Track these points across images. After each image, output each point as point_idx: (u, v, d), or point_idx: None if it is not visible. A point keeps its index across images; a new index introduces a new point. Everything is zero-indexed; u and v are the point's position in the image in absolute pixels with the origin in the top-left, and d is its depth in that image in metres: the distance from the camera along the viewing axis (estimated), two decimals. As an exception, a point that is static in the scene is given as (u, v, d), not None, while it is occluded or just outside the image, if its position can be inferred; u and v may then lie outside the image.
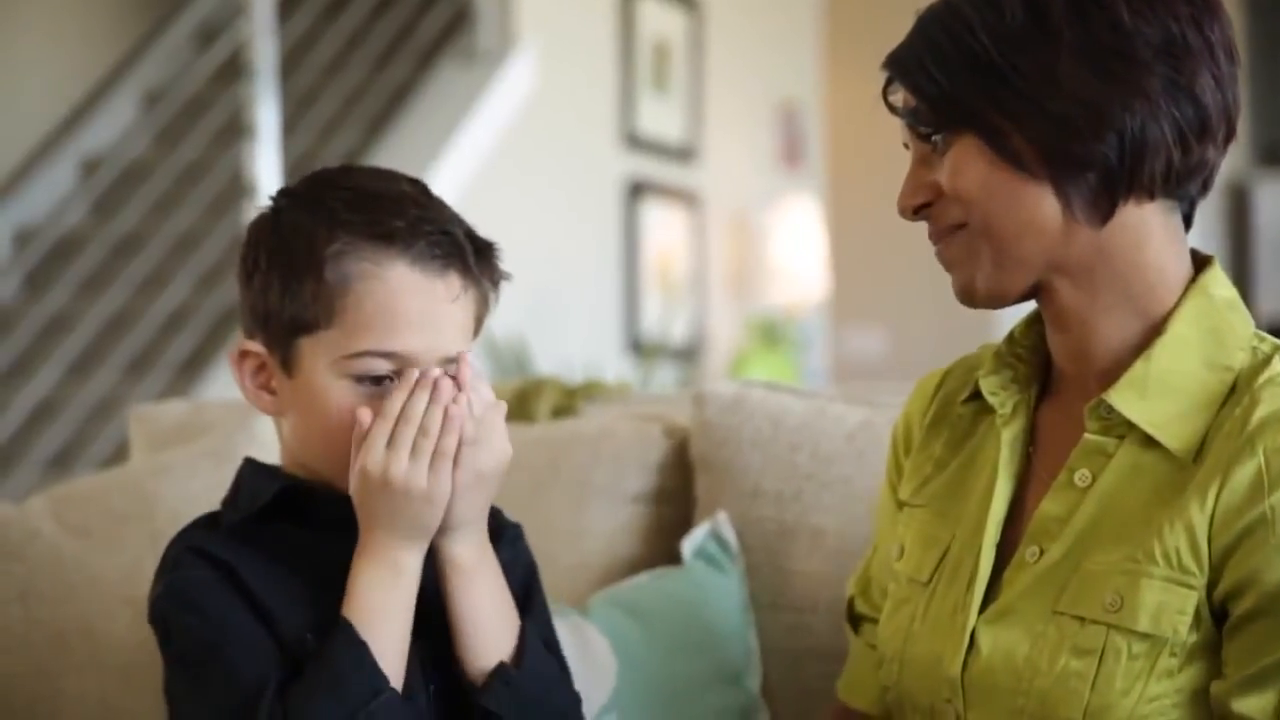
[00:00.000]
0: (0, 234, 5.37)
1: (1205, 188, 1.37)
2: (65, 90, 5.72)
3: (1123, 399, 1.34)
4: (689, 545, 1.86)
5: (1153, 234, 1.35)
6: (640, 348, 5.73)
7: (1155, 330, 1.35)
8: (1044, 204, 1.33)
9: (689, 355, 6.03)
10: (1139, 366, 1.34)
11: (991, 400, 1.44)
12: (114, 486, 1.93)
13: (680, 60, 6.05)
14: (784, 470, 1.87)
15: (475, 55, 5.28)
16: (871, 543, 1.61)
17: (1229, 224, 8.07)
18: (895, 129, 1.41)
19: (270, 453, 1.50)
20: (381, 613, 1.37)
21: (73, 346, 4.84)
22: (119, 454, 4.30)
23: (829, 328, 6.91)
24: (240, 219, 4.30)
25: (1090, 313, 1.36)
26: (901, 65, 1.37)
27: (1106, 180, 1.32)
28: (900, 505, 1.52)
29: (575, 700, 1.48)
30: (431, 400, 1.37)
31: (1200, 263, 1.39)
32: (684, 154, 6.07)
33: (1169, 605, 1.28)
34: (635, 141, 5.81)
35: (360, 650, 1.35)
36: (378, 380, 1.39)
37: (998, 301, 1.38)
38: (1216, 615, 1.29)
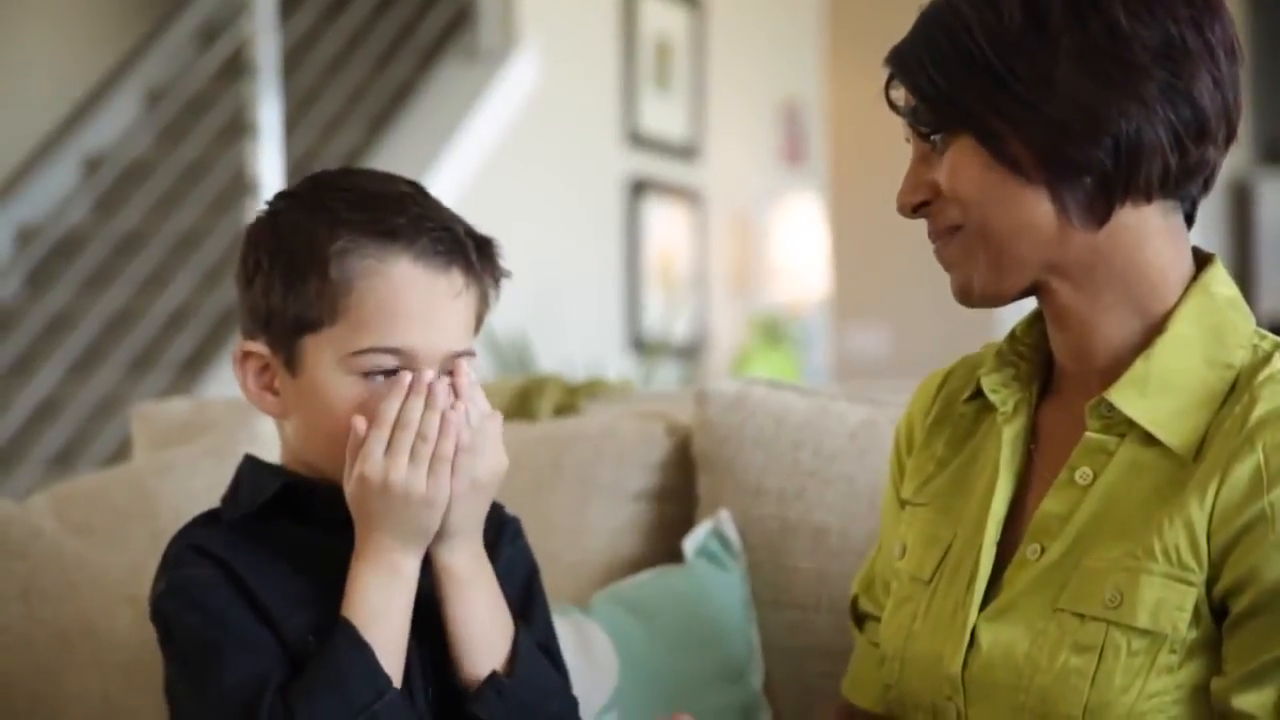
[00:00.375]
0: (2, 232, 5.37)
1: (1206, 187, 1.37)
2: (67, 88, 5.72)
3: (1124, 397, 1.33)
4: (691, 543, 1.86)
5: (1152, 234, 1.35)
6: (642, 346, 5.73)
7: (1156, 329, 1.35)
8: (1040, 207, 1.33)
9: (691, 353, 6.03)
10: (1140, 365, 1.34)
11: (992, 398, 1.44)
12: (116, 485, 1.93)
13: (682, 58, 6.05)
14: (786, 468, 1.87)
15: (477, 53, 5.29)
16: (874, 541, 1.61)
17: (1231, 222, 8.06)
18: (897, 127, 1.41)
19: (272, 451, 1.50)
20: (380, 615, 1.37)
21: (75, 345, 4.84)
22: (121, 452, 4.30)
23: (831, 326, 6.91)
24: (242, 217, 4.30)
25: (1091, 312, 1.36)
26: (902, 63, 1.37)
27: (1102, 184, 1.31)
28: (902, 504, 1.52)
29: (572, 705, 1.48)
30: (427, 405, 1.37)
31: (1202, 261, 1.39)
32: (686, 152, 6.07)
33: (1168, 602, 1.28)
34: (637, 139, 5.81)
35: (364, 651, 1.35)
36: (384, 375, 1.39)
37: (994, 301, 1.38)
38: (1216, 612, 1.29)
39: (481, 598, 1.42)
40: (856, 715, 1.56)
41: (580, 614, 1.78)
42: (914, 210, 1.39)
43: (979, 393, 1.46)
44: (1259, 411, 1.29)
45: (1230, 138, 1.35)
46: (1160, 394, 1.33)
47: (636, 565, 1.90)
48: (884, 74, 1.39)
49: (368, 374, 1.39)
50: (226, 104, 5.17)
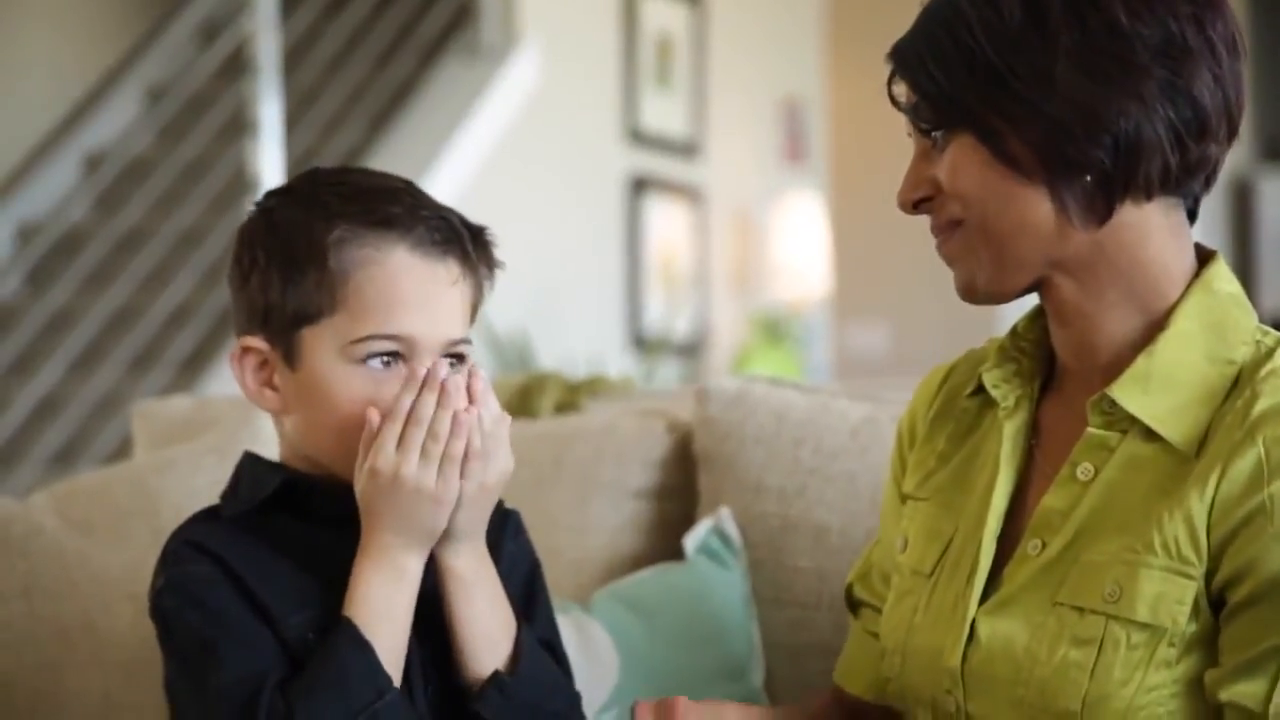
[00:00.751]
0: (3, 230, 5.37)
1: (1208, 184, 1.37)
2: (68, 86, 5.73)
3: (1125, 394, 1.33)
4: (692, 541, 1.86)
5: (1154, 231, 1.35)
6: (643, 343, 5.74)
7: (1158, 325, 1.35)
8: (1040, 205, 1.33)
9: (692, 351, 6.03)
10: (1142, 361, 1.34)
11: (994, 393, 1.44)
12: (117, 482, 1.93)
13: (683, 56, 6.05)
14: (787, 466, 1.87)
15: (478, 51, 5.29)
16: (875, 538, 1.60)
17: (1233, 219, 8.06)
18: (898, 125, 1.41)
19: (273, 448, 1.50)
20: (383, 614, 1.37)
21: (76, 342, 4.84)
22: (122, 450, 4.30)
23: (832, 323, 6.91)
24: (242, 216, 4.29)
25: (1093, 308, 1.36)
26: (903, 59, 1.37)
27: (1102, 183, 1.31)
28: (904, 499, 1.52)
29: (575, 701, 1.48)
30: (440, 404, 1.36)
31: (1204, 257, 1.39)
32: (687, 150, 6.07)
33: (1168, 595, 1.28)
34: (638, 137, 5.81)
35: (365, 650, 1.35)
36: (384, 362, 1.39)
37: (998, 298, 1.38)
38: (1215, 605, 1.29)
39: (484, 598, 1.42)
40: (845, 701, 1.56)
41: (581, 611, 1.78)
42: (915, 206, 1.39)
43: (981, 388, 1.46)
44: (1260, 406, 1.29)
45: (1232, 134, 1.35)
46: (1162, 390, 1.33)
47: (637, 563, 1.90)
48: (885, 70, 1.40)
49: (369, 357, 1.39)
50: (227, 102, 5.17)
